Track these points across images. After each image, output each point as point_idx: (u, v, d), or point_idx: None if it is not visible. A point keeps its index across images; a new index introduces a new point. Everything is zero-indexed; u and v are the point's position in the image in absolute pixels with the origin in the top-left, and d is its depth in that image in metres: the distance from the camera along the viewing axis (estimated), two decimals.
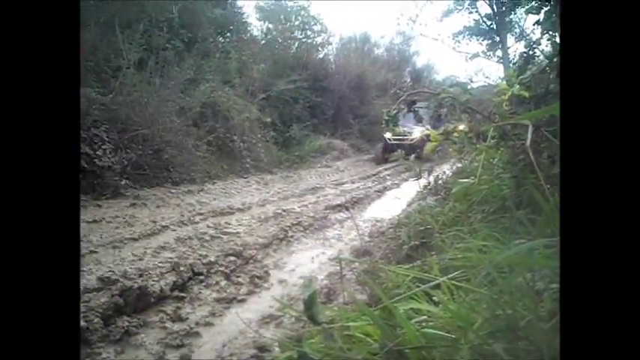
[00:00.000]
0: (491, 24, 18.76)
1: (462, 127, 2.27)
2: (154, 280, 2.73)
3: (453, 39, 19.28)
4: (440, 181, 3.88)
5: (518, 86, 1.63)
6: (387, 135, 13.19)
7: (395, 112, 2.10)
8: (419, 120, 2.30)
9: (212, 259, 3.23)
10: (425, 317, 0.92)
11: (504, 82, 1.76)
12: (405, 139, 12.68)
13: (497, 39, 18.46)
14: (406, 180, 8.34)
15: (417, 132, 11.96)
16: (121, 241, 3.89)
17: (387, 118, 2.09)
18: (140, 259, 3.35)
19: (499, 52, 18.42)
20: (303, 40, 16.89)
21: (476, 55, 16.01)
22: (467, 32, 19.41)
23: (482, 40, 19.16)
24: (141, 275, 2.86)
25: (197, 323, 2.41)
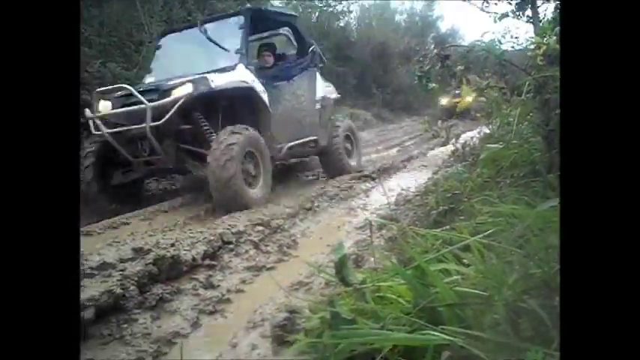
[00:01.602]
0: None
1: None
2: (185, 250, 2.80)
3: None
4: (467, 148, 3.81)
5: (555, 38, 1.56)
6: (103, 106, 4.11)
7: (428, 67, 2.03)
8: (452, 76, 2.12)
9: (241, 228, 3.29)
10: (457, 277, 0.93)
11: (538, 38, 1.69)
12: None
13: None
14: (432, 149, 8.23)
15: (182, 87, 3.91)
16: (153, 212, 4.00)
17: (419, 74, 2.03)
18: (171, 230, 3.45)
19: (529, 12, 17.65)
20: (324, 8, 16.57)
21: (505, 15, 15.35)
22: None
23: (511, 0, 18.37)
24: (172, 245, 2.94)
25: (228, 290, 2.48)
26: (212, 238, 3.02)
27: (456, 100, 13.40)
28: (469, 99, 2.02)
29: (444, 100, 14.24)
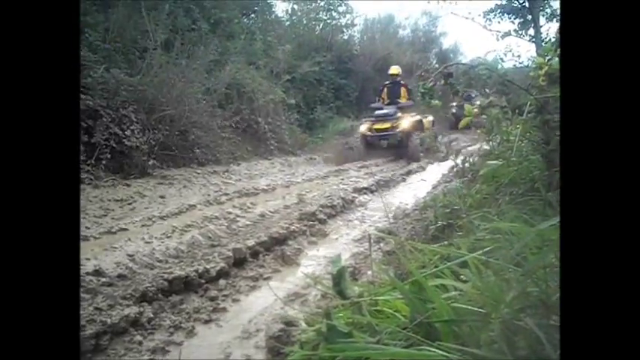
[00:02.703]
0: (524, 2, 18.15)
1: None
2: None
3: (484, 17, 18.73)
4: (466, 164, 3.82)
5: (557, 59, 1.58)
6: None
7: (431, 84, 2.05)
8: (455, 93, 2.15)
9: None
10: (454, 293, 0.92)
11: (540, 58, 1.71)
12: None
13: (530, 17, 17.87)
14: (431, 163, 8.25)
15: None
16: (150, 219, 3.99)
17: (422, 91, 2.05)
18: (168, 237, 3.44)
19: (531, 32, 17.83)
20: (328, 21, 16.71)
21: (507, 34, 15.43)
22: (498, 10, 18.84)
23: (515, 19, 18.57)
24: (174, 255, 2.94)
25: (224, 299, 2.47)
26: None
27: (379, 126, 9.01)
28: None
29: (363, 127, 9.28)
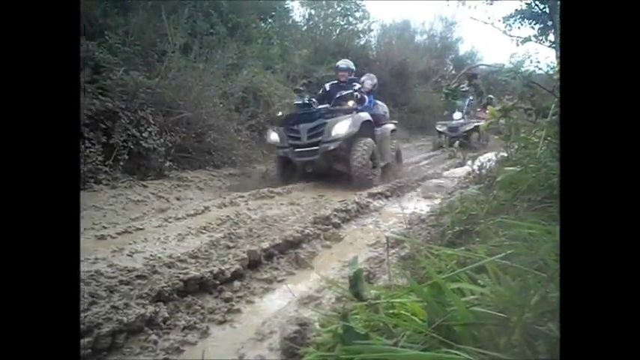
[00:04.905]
0: (544, 7, 17.95)
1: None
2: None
3: (504, 22, 18.57)
4: (483, 170, 3.78)
5: None
6: None
7: (455, 85, 2.04)
8: (479, 94, 2.17)
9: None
10: (472, 297, 0.92)
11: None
12: None
13: (550, 23, 17.67)
14: (447, 169, 8.19)
15: None
16: (166, 220, 4.03)
17: (446, 91, 2.03)
18: (183, 238, 3.47)
19: (551, 37, 17.63)
20: (345, 26, 16.75)
21: (527, 39, 15.22)
22: (518, 16, 18.67)
23: (535, 24, 18.38)
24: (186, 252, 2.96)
25: (238, 301, 2.47)
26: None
27: None
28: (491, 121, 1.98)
29: None
